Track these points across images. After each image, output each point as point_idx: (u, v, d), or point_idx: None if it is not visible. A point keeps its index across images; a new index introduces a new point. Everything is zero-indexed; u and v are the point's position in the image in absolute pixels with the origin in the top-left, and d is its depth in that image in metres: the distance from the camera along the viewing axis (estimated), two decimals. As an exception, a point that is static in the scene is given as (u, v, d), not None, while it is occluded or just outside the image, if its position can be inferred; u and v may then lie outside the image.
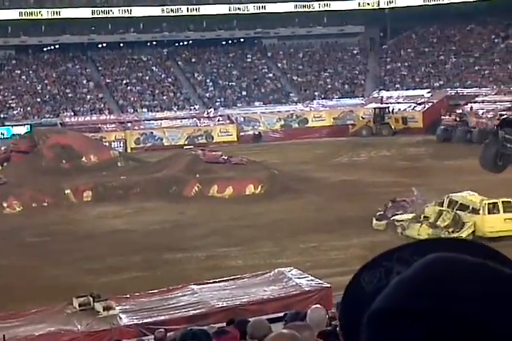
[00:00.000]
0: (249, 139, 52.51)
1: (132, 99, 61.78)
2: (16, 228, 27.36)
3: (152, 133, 51.81)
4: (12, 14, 63.57)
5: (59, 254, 22.99)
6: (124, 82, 63.84)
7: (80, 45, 66.10)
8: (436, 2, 68.84)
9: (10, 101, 59.36)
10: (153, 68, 66.39)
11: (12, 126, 53.34)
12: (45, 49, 66.18)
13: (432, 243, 1.07)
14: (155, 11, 66.65)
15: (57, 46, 66.21)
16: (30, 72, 63.54)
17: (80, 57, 66.56)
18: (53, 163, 34.71)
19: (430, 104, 53.71)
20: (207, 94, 63.96)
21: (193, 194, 32.10)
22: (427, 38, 70.15)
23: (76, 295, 15.48)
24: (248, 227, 25.50)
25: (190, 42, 69.08)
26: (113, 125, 52.49)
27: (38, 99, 59.96)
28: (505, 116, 38.11)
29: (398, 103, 55.18)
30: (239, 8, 68.27)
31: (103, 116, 56.37)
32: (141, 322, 14.56)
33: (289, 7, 68.93)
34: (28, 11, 64.19)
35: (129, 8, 66.36)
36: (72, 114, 57.61)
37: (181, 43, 69.45)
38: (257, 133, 53.52)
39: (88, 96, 61.25)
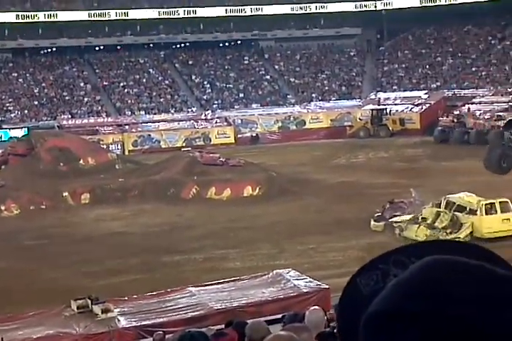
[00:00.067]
0: (247, 141, 52.47)
1: (129, 101, 61.72)
2: (13, 231, 27.34)
3: (150, 135, 51.79)
4: (9, 17, 63.56)
5: (57, 257, 22.99)
6: (122, 84, 63.79)
7: (77, 47, 65.97)
8: (432, 3, 68.94)
9: (7, 104, 59.27)
10: (151, 70, 66.36)
11: (9, 129, 53.17)
12: (42, 52, 66.10)
13: (428, 245, 1.08)
14: (152, 14, 66.69)
15: (54, 49, 66.12)
16: (28, 75, 63.48)
17: (77, 60, 66.49)
18: (51, 165, 34.69)
19: (427, 105, 53.68)
20: (204, 96, 63.92)
21: (191, 196, 32.09)
22: (423, 39, 70.17)
23: (74, 297, 15.47)
24: (246, 229, 25.50)
25: (187, 44, 69.00)
26: (110, 127, 52.44)
27: (36, 102, 59.89)
28: (511, 118, 38.18)
29: (395, 104, 55.10)
30: (236, 11, 68.36)
31: (100, 118, 56.27)
32: (139, 324, 14.56)
33: (286, 9, 68.99)
34: (25, 14, 64.20)
35: (125, 10, 66.30)
36: (70, 116, 57.55)
37: (178, 45, 69.39)
38: (254, 135, 53.47)
39: (85, 99, 61.19)
